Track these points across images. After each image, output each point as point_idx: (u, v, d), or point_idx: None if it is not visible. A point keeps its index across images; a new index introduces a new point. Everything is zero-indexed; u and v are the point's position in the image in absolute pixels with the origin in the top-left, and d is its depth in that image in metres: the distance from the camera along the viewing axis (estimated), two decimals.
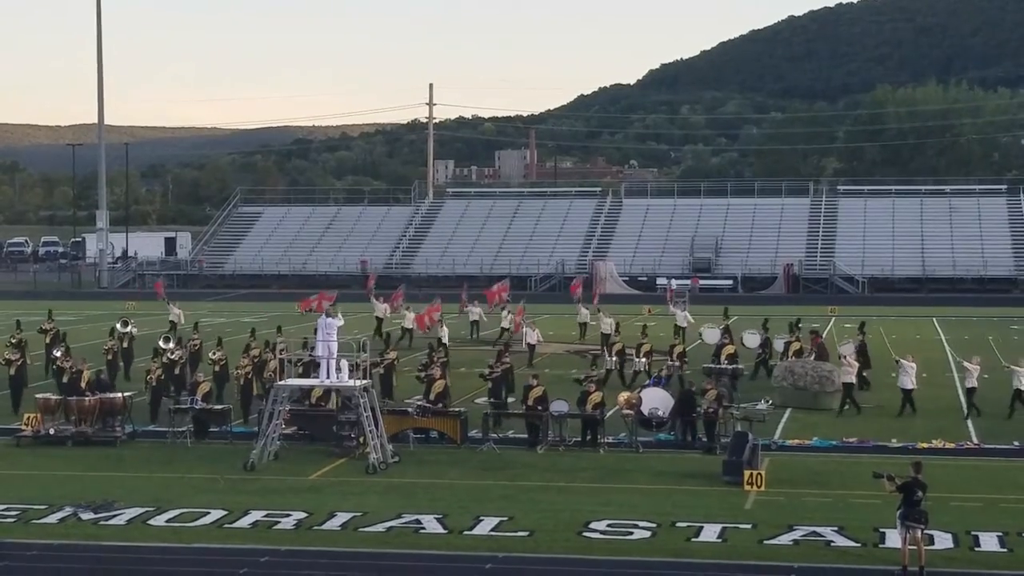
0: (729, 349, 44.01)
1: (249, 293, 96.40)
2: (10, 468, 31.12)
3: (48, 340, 47.35)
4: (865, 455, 32.02)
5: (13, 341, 44.22)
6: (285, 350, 34.44)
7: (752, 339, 47.25)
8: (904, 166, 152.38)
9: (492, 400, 36.35)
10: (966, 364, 37.86)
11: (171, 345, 42.09)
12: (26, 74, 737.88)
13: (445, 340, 50.31)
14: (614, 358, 44.24)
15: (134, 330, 48.55)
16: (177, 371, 40.06)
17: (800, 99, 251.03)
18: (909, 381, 37.44)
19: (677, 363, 42.65)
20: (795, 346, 44.80)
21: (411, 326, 56.09)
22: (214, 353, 41.97)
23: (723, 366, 42.73)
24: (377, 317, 58.80)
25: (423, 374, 37.54)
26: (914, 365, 38.00)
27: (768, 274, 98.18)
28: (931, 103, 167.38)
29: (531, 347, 51.06)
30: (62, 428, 34.56)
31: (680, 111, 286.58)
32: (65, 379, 38.18)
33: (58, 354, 42.08)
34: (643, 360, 43.60)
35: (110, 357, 44.64)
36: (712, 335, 48.27)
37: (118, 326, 47.56)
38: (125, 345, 46.67)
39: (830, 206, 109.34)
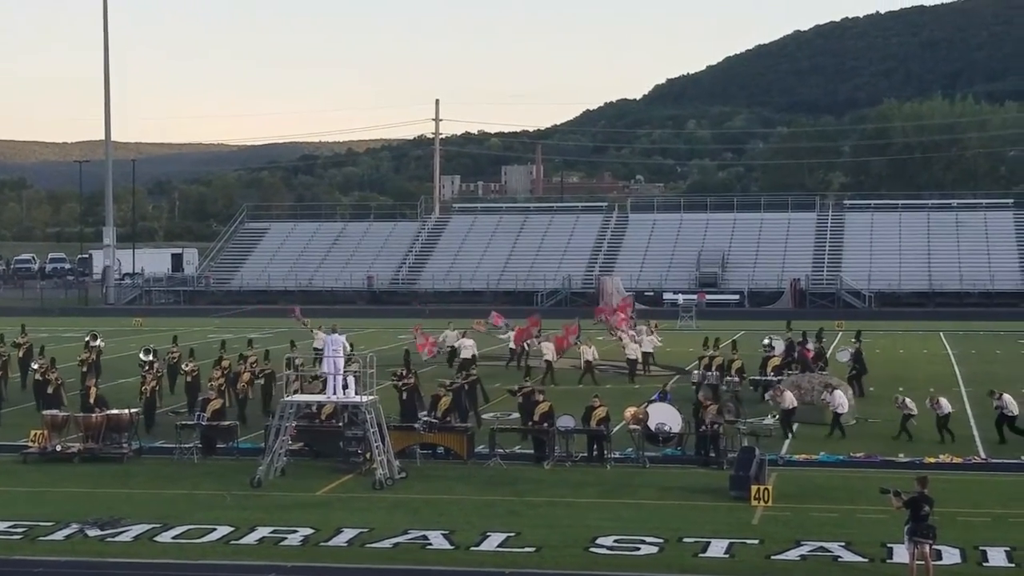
0: (775, 361, 44.30)
1: (256, 309, 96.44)
2: (17, 485, 31.12)
3: (21, 354, 47.78)
4: (872, 470, 31.97)
5: None
6: (302, 365, 34.92)
7: (843, 355, 47.19)
8: (911, 180, 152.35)
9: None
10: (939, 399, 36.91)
11: (151, 358, 42.81)
12: (33, 91, 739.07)
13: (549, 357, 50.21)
14: (714, 372, 43.79)
15: (102, 344, 49.39)
16: (155, 385, 40.34)
17: (806, 113, 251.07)
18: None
19: (736, 378, 42.78)
20: (773, 361, 45.17)
21: (551, 358, 51.32)
22: (186, 365, 42.91)
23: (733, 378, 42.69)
24: (452, 347, 54.07)
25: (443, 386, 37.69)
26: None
27: (775, 289, 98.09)
28: (937, 117, 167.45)
29: (548, 363, 50.77)
30: (69, 444, 34.59)
31: (686, 126, 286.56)
32: (50, 390, 39.69)
33: (36, 366, 42.99)
34: (714, 373, 43.51)
35: (84, 369, 45.49)
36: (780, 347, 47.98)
37: (88, 339, 48.20)
38: (93, 357, 47.28)
39: (836, 220, 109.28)
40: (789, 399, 36.84)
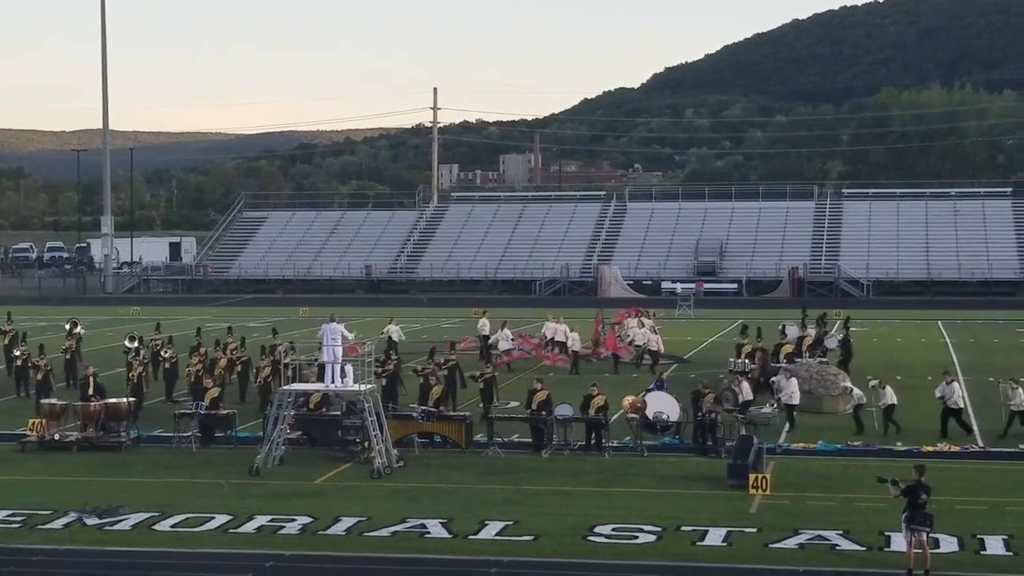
0: (787, 348, 44.24)
1: (254, 298, 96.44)
2: (15, 473, 31.14)
3: (7, 341, 47.99)
4: (870, 459, 31.98)
5: None
6: (285, 352, 35.10)
7: (831, 341, 47.20)
8: (909, 169, 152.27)
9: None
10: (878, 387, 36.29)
11: (135, 344, 43.57)
12: (30, 80, 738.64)
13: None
14: (743, 360, 43.65)
15: (82, 331, 49.71)
16: (141, 371, 40.64)
17: (805, 102, 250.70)
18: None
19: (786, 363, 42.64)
20: (806, 341, 45.02)
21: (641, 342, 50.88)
22: (165, 352, 43.51)
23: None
24: (484, 335, 53.27)
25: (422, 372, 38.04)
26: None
27: (773, 277, 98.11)
28: (936, 106, 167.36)
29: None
30: (67, 433, 34.61)
31: (684, 114, 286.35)
32: (40, 376, 40.18)
33: (17, 353, 43.83)
34: (743, 361, 43.47)
35: (68, 357, 46.12)
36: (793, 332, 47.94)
37: (67, 327, 48.69)
38: (75, 345, 47.74)
39: (835, 209, 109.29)
40: (793, 391, 36.55)
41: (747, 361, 42.78)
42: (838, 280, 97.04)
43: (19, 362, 43.63)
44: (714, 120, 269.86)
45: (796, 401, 36.63)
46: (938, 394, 35.61)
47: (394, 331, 52.06)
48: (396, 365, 40.12)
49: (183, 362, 42.75)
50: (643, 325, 51.57)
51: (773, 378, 39.38)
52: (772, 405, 35.55)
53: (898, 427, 35.22)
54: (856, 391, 36.55)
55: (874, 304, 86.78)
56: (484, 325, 53.81)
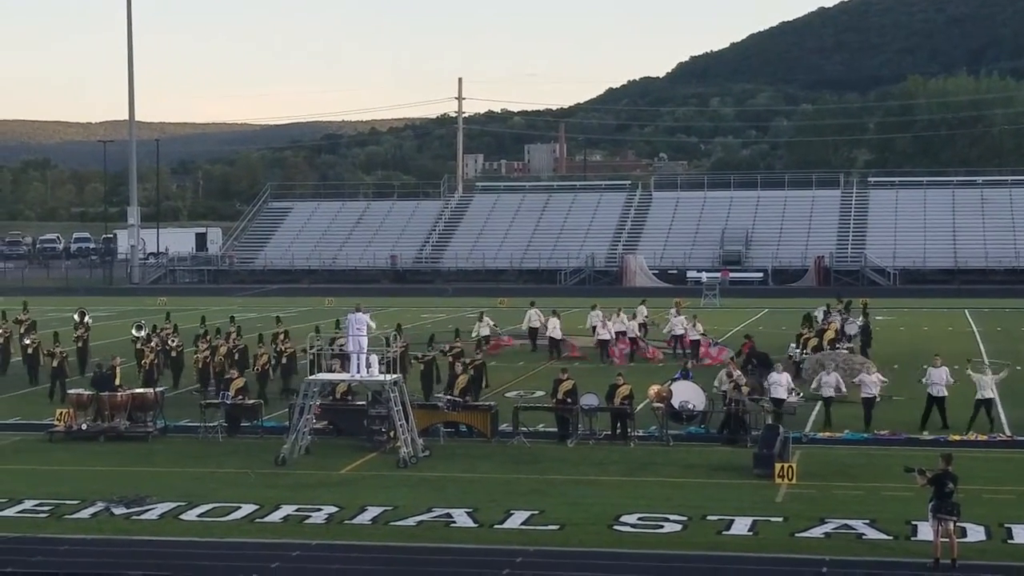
0: (830, 334, 44.20)
1: (280, 288, 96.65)
2: (43, 463, 31.29)
3: (23, 331, 48.33)
4: (896, 448, 31.89)
5: None
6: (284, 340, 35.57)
7: (851, 327, 47.09)
8: (935, 157, 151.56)
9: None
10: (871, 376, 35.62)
11: (142, 333, 44.10)
12: (57, 71, 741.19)
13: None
14: (800, 348, 43.49)
15: (90, 320, 50.12)
16: (153, 359, 41.35)
17: (830, 91, 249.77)
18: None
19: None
20: (828, 334, 44.91)
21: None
22: (171, 340, 43.96)
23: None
24: (534, 327, 53.30)
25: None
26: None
27: (799, 266, 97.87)
28: (962, 94, 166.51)
29: (554, 341, 50.81)
30: (94, 424, 34.75)
31: (710, 104, 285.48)
32: (55, 363, 40.76)
33: (28, 341, 44.36)
34: (800, 350, 43.38)
35: (80, 345, 46.67)
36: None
37: (76, 316, 49.13)
38: (85, 335, 48.36)
39: (861, 198, 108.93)
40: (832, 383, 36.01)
41: (803, 350, 42.85)
42: (864, 269, 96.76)
43: (30, 350, 44.15)
44: (739, 109, 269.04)
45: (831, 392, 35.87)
46: (924, 381, 35.04)
47: (554, 325, 51.24)
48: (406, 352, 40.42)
49: (191, 353, 43.10)
50: (679, 315, 51.36)
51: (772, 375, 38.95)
52: (798, 394, 35.43)
53: (868, 422, 34.39)
54: (867, 378, 35.77)
55: (900, 293, 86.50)
56: (530, 316, 53.67)
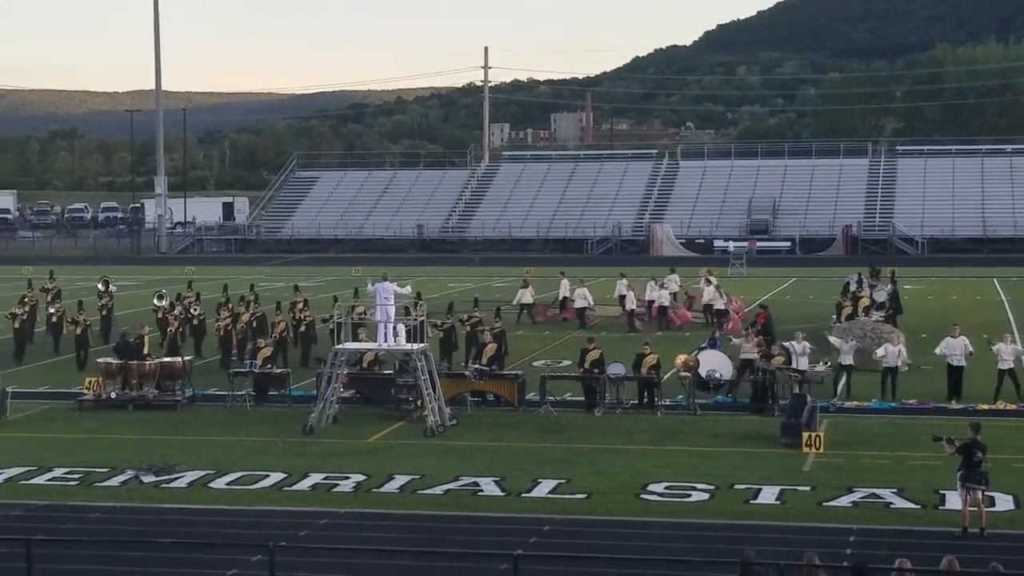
0: (865, 302, 44.19)
1: (307, 258, 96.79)
2: (72, 432, 31.46)
3: (49, 299, 48.63)
4: (924, 417, 31.80)
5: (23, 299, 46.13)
6: (364, 313, 35.65)
7: (880, 294, 47.00)
8: (964, 125, 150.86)
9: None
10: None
11: (164, 303, 44.37)
12: (84, 41, 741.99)
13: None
14: (843, 319, 43.50)
15: (114, 288, 50.97)
16: (178, 327, 41.73)
17: (858, 59, 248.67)
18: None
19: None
20: (863, 302, 44.84)
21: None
22: (193, 309, 44.34)
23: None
24: (565, 296, 52.93)
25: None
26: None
27: (826, 235, 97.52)
28: (991, 62, 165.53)
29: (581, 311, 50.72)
30: (123, 392, 34.91)
31: (737, 72, 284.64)
32: (79, 331, 41.25)
33: (52, 310, 44.67)
34: (842, 321, 43.33)
35: (104, 313, 47.39)
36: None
37: (99, 285, 49.52)
38: (107, 302, 49.05)
39: (889, 167, 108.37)
40: (847, 351, 35.96)
41: (844, 321, 42.77)
42: (892, 238, 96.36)
43: (54, 319, 44.44)
44: (767, 77, 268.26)
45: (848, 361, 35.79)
46: (938, 352, 34.81)
47: (581, 295, 51.07)
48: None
49: (212, 322, 43.36)
50: (710, 283, 51.20)
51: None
52: (825, 363, 35.33)
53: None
54: (891, 349, 35.46)
55: (928, 262, 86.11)
56: (564, 286, 53.55)
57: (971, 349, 34.36)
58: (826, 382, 34.32)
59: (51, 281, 51.28)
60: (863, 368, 36.76)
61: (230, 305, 42.89)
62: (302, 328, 41.92)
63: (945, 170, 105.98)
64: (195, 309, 44.30)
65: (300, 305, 43.20)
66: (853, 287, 47.60)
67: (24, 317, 44.06)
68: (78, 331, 41.51)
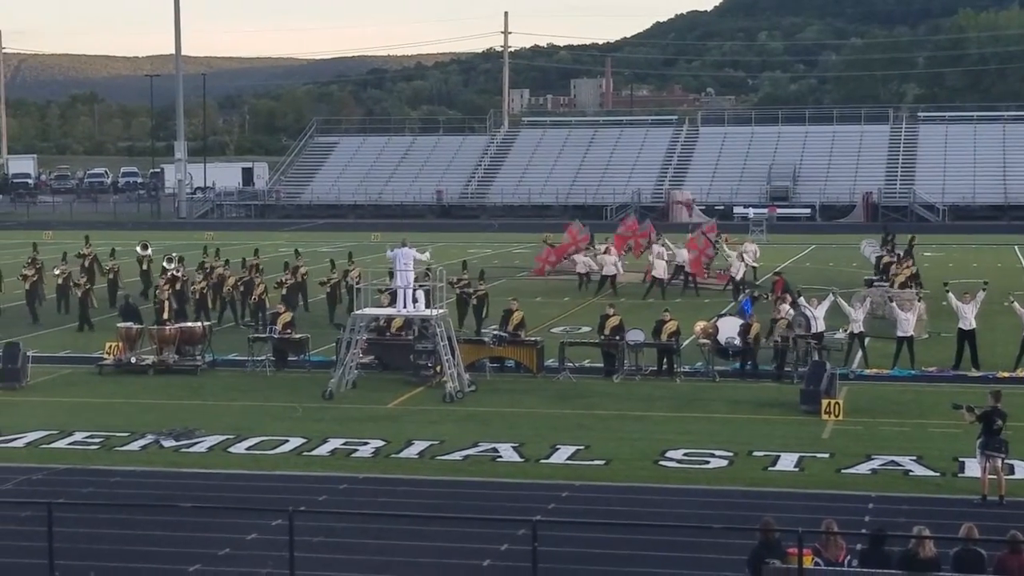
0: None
1: (326, 223, 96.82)
2: (93, 396, 31.60)
3: (87, 264, 48.96)
4: (944, 384, 31.75)
5: (29, 261, 46.53)
6: (359, 279, 35.76)
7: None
8: (986, 91, 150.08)
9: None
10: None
11: (173, 265, 44.75)
12: (103, 5, 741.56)
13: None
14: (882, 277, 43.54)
15: (151, 252, 51.55)
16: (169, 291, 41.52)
17: (880, 24, 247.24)
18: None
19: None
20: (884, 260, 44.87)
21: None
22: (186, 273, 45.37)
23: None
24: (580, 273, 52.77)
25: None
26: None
27: (847, 202, 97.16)
28: (1014, 27, 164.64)
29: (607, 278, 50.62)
30: (143, 357, 35.04)
31: (758, 38, 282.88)
32: (80, 295, 42.35)
33: (57, 272, 45.26)
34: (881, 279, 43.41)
35: (145, 269, 49.31)
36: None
37: (138, 249, 50.10)
38: (145, 268, 50.47)
39: (910, 133, 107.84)
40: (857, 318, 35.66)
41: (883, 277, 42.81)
42: (913, 205, 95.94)
43: (60, 280, 44.88)
44: (788, 43, 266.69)
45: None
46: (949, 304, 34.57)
47: (609, 262, 50.96)
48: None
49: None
50: (742, 260, 51.04)
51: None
52: (844, 330, 35.24)
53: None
54: (900, 315, 34.99)
55: (949, 229, 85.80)
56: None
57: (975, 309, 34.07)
58: (844, 349, 34.27)
59: (87, 247, 51.28)
60: (880, 336, 36.60)
61: (302, 270, 44.20)
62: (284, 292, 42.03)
63: (967, 136, 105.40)
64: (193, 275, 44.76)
65: (302, 270, 44.50)
66: (868, 251, 47.37)
67: (35, 279, 44.46)
68: (79, 294, 42.26)
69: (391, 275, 38.28)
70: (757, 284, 48.49)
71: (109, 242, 57.93)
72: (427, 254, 34.89)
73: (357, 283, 37.52)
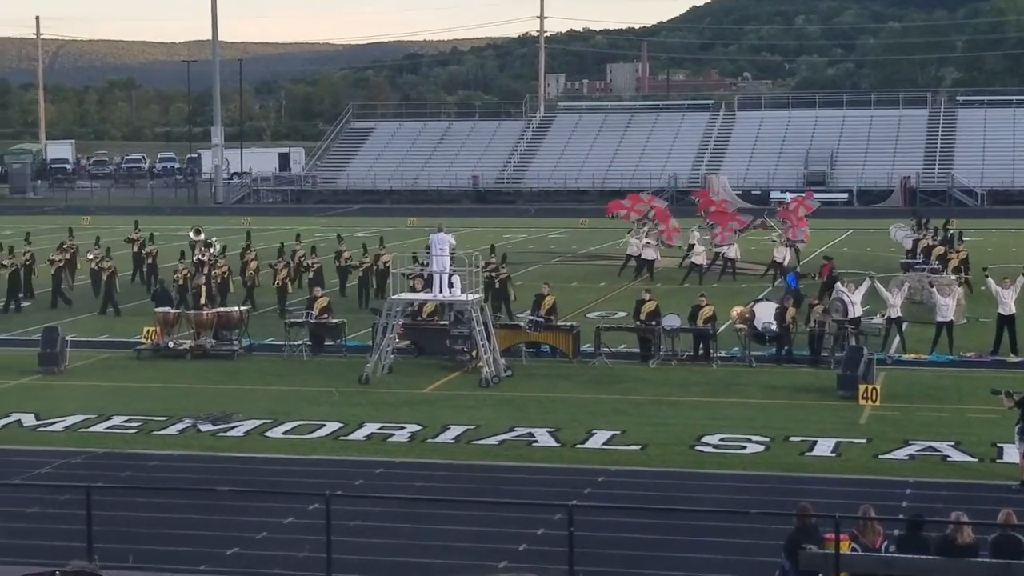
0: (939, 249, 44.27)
1: (362, 208, 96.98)
2: (131, 380, 31.77)
3: (136, 249, 49.30)
4: (982, 370, 31.58)
5: (60, 246, 46.81)
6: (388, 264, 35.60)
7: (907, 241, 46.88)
8: None
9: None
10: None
11: (201, 237, 45.62)
12: None
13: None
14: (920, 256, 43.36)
15: (204, 237, 50.77)
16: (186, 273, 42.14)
17: (918, 8, 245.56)
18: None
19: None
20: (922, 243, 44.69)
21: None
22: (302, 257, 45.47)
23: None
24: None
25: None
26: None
27: (885, 187, 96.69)
28: None
29: (646, 262, 50.50)
30: (180, 341, 35.21)
31: (795, 22, 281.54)
32: (105, 277, 42.85)
33: (90, 256, 45.38)
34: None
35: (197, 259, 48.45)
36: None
37: (191, 234, 49.58)
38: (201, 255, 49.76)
39: (949, 117, 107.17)
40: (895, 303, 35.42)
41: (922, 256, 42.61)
42: (951, 189, 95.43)
43: (93, 265, 45.00)
44: (825, 27, 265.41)
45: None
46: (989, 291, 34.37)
47: (652, 246, 51.01)
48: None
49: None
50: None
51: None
52: (881, 315, 35.07)
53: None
54: (939, 300, 34.77)
55: (988, 213, 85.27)
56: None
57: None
58: (881, 335, 34.11)
59: (136, 231, 51.52)
60: (918, 321, 36.41)
61: (300, 253, 44.48)
62: (361, 273, 43.10)
63: (1006, 120, 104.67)
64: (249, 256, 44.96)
65: (301, 254, 45.27)
66: (899, 236, 47.15)
67: (61, 264, 44.78)
68: (104, 277, 42.73)
69: (415, 259, 38.63)
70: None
71: (147, 228, 58.11)
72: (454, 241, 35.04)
73: (386, 267, 37.58)
